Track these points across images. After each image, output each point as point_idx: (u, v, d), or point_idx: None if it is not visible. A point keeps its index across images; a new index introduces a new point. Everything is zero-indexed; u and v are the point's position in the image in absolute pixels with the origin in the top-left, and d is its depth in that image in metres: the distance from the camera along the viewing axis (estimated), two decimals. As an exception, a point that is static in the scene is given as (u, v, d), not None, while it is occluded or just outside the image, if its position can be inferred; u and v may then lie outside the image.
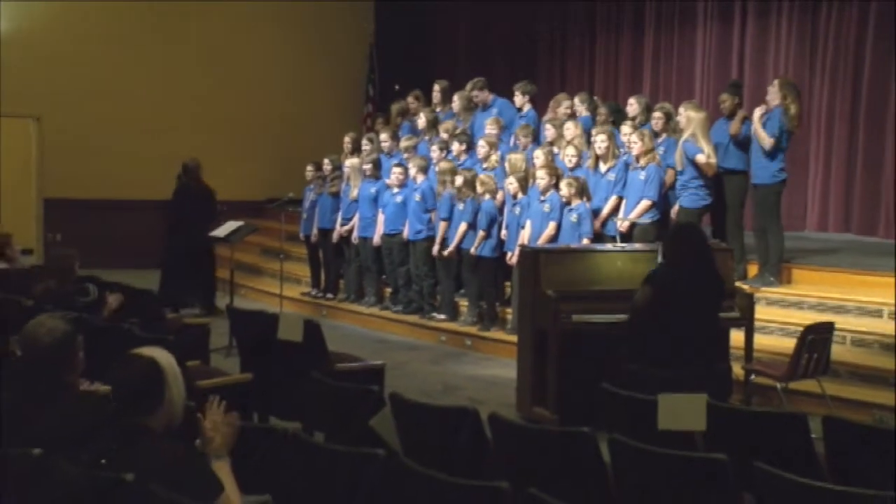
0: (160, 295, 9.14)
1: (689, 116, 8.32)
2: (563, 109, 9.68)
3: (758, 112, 8.31)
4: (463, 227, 9.06)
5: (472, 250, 8.97)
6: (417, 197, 9.55)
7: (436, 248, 9.36)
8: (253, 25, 14.30)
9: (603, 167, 8.49)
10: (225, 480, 3.19)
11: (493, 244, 8.93)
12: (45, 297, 6.42)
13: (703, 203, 8.34)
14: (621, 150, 8.54)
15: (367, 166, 10.18)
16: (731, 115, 8.60)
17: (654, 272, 5.64)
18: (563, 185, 8.26)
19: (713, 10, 11.88)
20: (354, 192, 10.22)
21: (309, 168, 10.96)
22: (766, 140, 8.14)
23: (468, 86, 10.33)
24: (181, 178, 10.79)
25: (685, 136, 8.24)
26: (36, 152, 13.23)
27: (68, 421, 3.47)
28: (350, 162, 10.44)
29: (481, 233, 8.91)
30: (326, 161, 10.78)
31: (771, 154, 8.18)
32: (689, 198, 8.29)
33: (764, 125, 8.18)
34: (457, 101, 10.36)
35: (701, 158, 8.14)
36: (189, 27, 13.86)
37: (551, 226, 8.33)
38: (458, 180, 9.12)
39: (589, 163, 8.65)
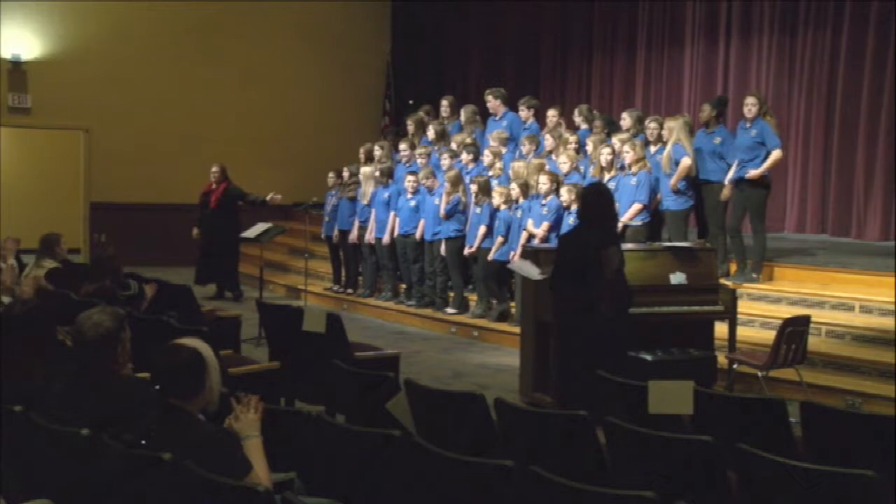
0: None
1: (669, 127, 8.35)
2: (551, 119, 9.66)
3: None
4: (482, 229, 8.94)
5: (489, 257, 8.86)
6: (437, 201, 9.47)
7: (467, 250, 9.17)
8: (283, 48, 14.33)
9: (606, 176, 8.46)
10: (256, 457, 3.20)
11: (507, 249, 8.74)
12: (94, 292, 6.43)
13: (689, 204, 8.34)
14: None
15: (378, 174, 10.17)
16: (706, 124, 8.54)
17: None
18: (563, 191, 8.24)
19: (700, 31, 11.85)
20: (367, 198, 10.23)
21: (330, 175, 11.05)
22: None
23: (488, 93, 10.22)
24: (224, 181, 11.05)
25: (671, 141, 8.25)
26: (84, 161, 13.29)
27: (112, 404, 3.48)
28: (363, 170, 10.46)
29: (500, 238, 8.81)
30: (345, 169, 10.81)
31: (764, 157, 8.11)
32: (677, 201, 8.27)
33: (762, 134, 8.08)
34: (463, 114, 10.41)
35: (686, 161, 8.11)
36: (226, 49, 13.87)
37: (544, 226, 8.30)
38: (474, 187, 9.06)
39: (592, 172, 8.62)
